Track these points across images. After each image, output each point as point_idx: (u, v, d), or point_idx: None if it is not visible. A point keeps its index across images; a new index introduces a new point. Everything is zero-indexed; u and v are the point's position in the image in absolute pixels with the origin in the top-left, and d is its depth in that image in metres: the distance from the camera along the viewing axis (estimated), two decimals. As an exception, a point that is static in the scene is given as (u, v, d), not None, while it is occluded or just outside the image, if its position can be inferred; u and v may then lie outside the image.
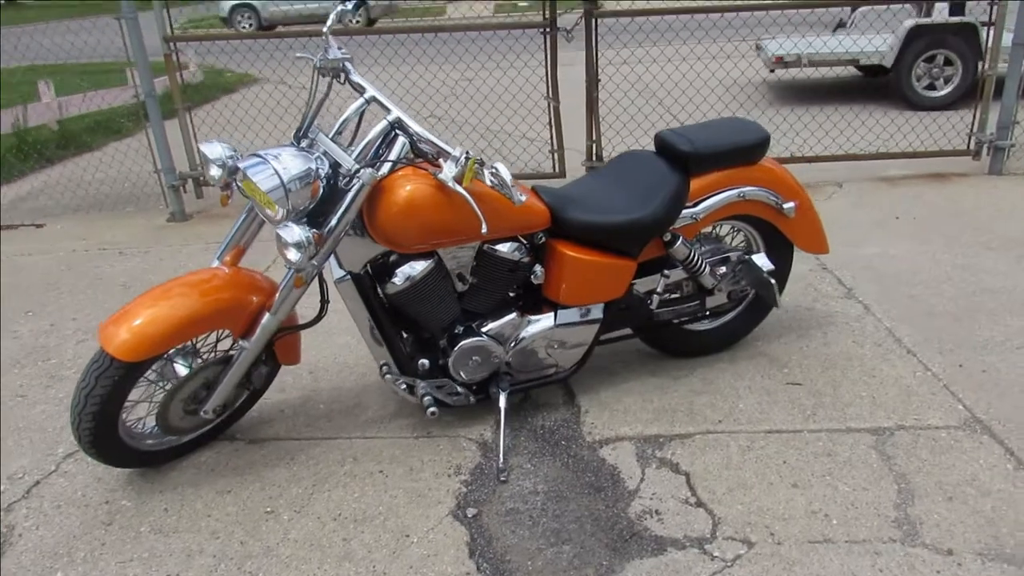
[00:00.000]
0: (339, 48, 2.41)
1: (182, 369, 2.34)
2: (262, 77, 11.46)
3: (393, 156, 2.28)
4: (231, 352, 2.38)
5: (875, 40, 7.14)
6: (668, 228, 2.62)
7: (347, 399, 2.87)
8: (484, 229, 2.20)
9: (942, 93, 6.99)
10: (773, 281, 2.79)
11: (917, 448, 2.46)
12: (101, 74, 10.86)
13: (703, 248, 2.87)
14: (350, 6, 2.46)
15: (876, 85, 7.84)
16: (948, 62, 6.96)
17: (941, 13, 7.03)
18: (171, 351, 2.31)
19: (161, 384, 2.36)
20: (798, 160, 5.16)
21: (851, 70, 8.27)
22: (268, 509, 2.32)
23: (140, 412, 2.49)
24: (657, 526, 2.20)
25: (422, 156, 2.29)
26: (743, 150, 2.70)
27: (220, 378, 2.37)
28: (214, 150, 2.23)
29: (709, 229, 2.95)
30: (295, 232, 2.09)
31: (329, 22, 2.42)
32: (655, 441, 2.57)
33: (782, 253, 2.96)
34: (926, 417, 2.61)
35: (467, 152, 2.15)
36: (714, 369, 2.96)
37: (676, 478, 2.39)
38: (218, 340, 2.47)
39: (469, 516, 2.27)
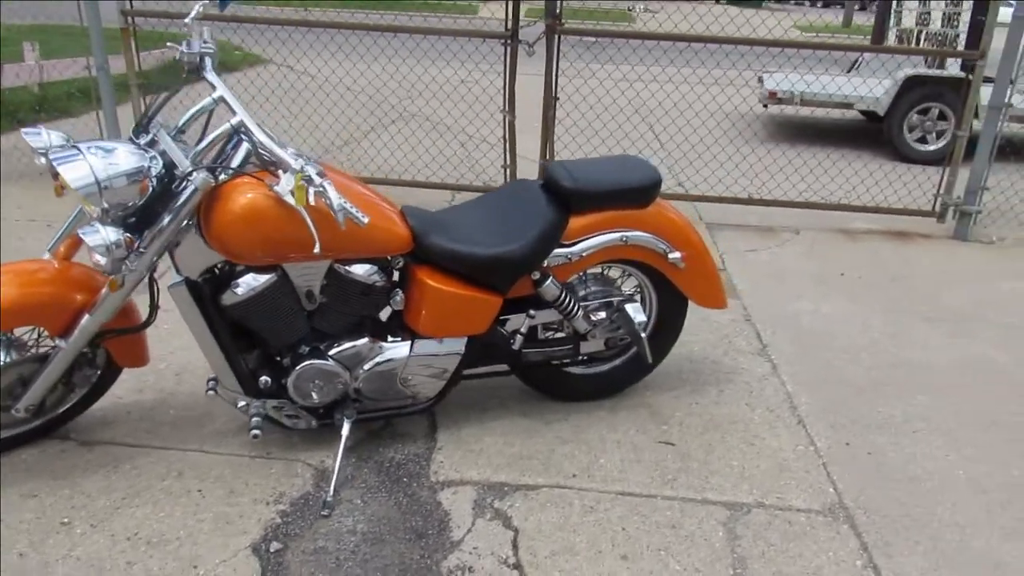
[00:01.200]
0: (204, 41, 2.29)
1: (-6, 361, 2.22)
2: (267, 58, 11.44)
3: (234, 163, 2.15)
4: (49, 351, 2.26)
5: (876, 86, 6.93)
6: (537, 266, 2.48)
7: (200, 407, 2.74)
8: (316, 248, 2.07)
9: (932, 148, 6.78)
10: (643, 334, 2.63)
11: (769, 531, 2.29)
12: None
13: (589, 289, 2.72)
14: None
15: (875, 131, 7.63)
16: (942, 116, 6.75)
17: (952, 67, 6.81)
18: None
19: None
20: (754, 202, 4.99)
21: (855, 113, 8.06)
22: (65, 520, 2.19)
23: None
24: (464, 585, 2.06)
25: (264, 165, 2.16)
26: (631, 191, 2.55)
27: (35, 376, 2.25)
28: (39, 139, 2.11)
29: (599, 270, 2.80)
30: (99, 235, 1.97)
31: (193, 13, 2.30)
32: (499, 489, 2.43)
33: (674, 304, 2.80)
34: (790, 497, 2.44)
35: (303, 166, 2.02)
36: (591, 417, 2.81)
37: (504, 533, 2.24)
38: (40, 336, 2.35)
39: (271, 551, 2.14)
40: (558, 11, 4.55)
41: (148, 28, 5.62)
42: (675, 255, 2.61)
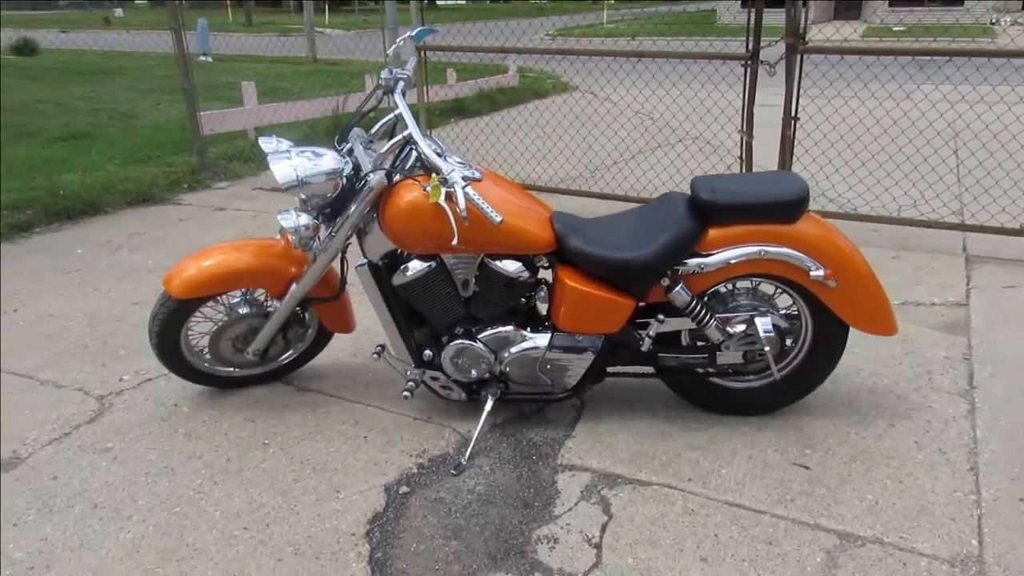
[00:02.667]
0: (403, 69, 2.79)
1: (236, 312, 2.91)
2: (574, 86, 12.28)
3: (403, 167, 2.61)
4: (271, 310, 2.91)
5: None
6: (665, 273, 2.59)
7: (390, 373, 3.24)
8: (455, 241, 2.43)
9: None
10: (767, 348, 2.59)
11: (875, 567, 2.17)
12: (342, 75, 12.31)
13: (733, 303, 2.75)
14: (414, 33, 2.81)
15: None
16: None
17: None
18: (230, 297, 2.90)
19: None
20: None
21: None
22: (266, 441, 2.81)
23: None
24: (543, 551, 2.27)
25: (427, 170, 2.58)
26: (772, 206, 2.54)
27: (259, 327, 2.91)
28: (269, 144, 2.73)
29: (749, 284, 2.80)
30: (291, 218, 2.54)
31: (393, 47, 2.80)
32: (612, 480, 2.58)
33: (830, 326, 2.71)
34: (918, 540, 2.27)
35: (450, 172, 2.39)
36: (732, 431, 2.82)
37: (600, 517, 2.40)
38: (267, 299, 2.99)
39: (399, 492, 2.54)
40: (801, 29, 4.45)
41: (434, 60, 6.48)
42: (817, 272, 2.54)
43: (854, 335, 2.74)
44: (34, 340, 3.61)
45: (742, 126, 4.81)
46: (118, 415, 2.98)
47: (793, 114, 4.61)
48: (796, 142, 4.72)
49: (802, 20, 4.45)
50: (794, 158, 4.77)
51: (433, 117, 9.61)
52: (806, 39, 4.49)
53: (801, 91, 4.58)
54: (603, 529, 2.35)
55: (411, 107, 6.14)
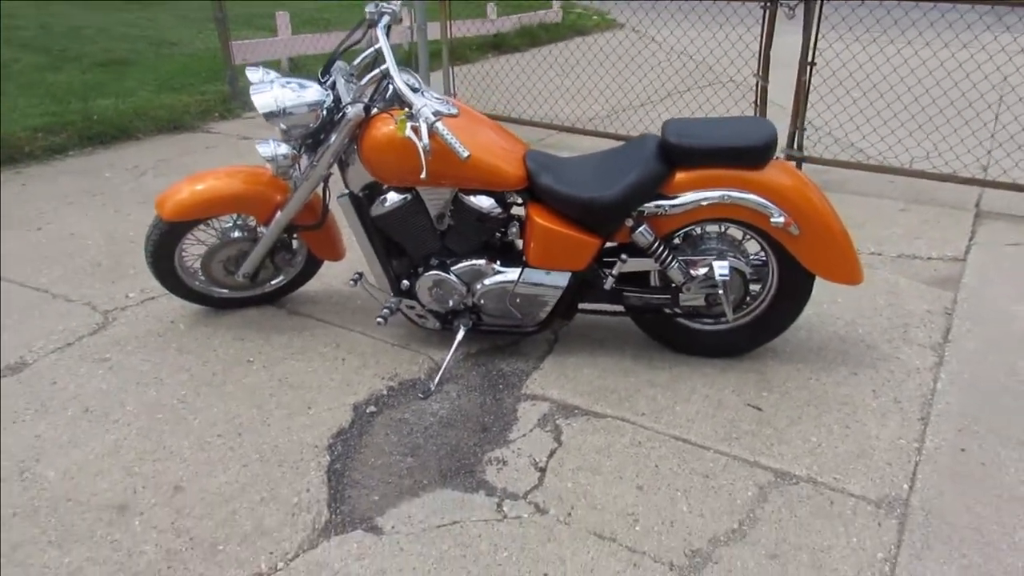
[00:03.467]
0: (389, 3, 2.84)
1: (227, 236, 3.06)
2: (619, 23, 12.05)
3: (379, 101, 2.69)
4: (259, 235, 3.05)
5: None
6: (628, 213, 2.64)
7: (378, 303, 3.38)
8: (423, 175, 2.51)
9: None
10: (721, 291, 2.65)
11: (803, 503, 2.26)
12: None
13: (701, 246, 2.80)
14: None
15: None
16: None
17: None
18: (222, 221, 3.05)
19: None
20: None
21: None
22: (250, 359, 2.98)
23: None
24: (491, 472, 2.41)
25: (402, 104, 2.66)
26: (739, 151, 2.56)
27: (249, 251, 3.06)
28: (256, 74, 2.82)
29: (718, 229, 2.84)
30: (269, 147, 2.66)
31: (383, -17, 2.85)
32: (569, 411, 2.70)
33: (794, 274, 2.75)
34: (850, 481, 2.34)
35: (421, 107, 2.46)
36: (695, 371, 2.90)
37: (550, 444, 2.53)
38: (257, 225, 3.13)
39: (367, 411, 2.69)
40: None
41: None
42: (779, 219, 2.57)
43: (838, 288, 2.77)
44: (53, 257, 3.84)
45: (757, 70, 4.74)
46: (119, 329, 3.18)
47: (810, 59, 4.52)
48: (812, 88, 4.64)
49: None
50: (809, 104, 4.70)
51: (469, 52, 9.60)
52: (826, -19, 4.38)
53: (834, 31, 4.48)
54: (551, 455, 2.48)
55: (433, 42, 6.14)
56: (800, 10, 4.45)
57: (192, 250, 3.12)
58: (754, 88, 4.84)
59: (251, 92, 2.67)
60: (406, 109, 2.51)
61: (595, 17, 12.75)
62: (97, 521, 2.19)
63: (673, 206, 2.63)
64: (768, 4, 4.54)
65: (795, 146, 4.74)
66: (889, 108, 5.31)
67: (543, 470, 2.41)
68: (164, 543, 2.11)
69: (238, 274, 3.11)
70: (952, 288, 3.53)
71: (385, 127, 2.64)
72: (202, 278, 3.16)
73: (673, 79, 6.42)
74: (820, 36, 4.49)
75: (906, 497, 2.28)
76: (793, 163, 4.74)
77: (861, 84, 5.40)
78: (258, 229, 3.10)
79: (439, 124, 2.42)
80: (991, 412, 2.65)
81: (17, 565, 2.04)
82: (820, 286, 3.26)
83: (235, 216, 3.07)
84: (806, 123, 4.76)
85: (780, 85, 4.99)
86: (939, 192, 4.69)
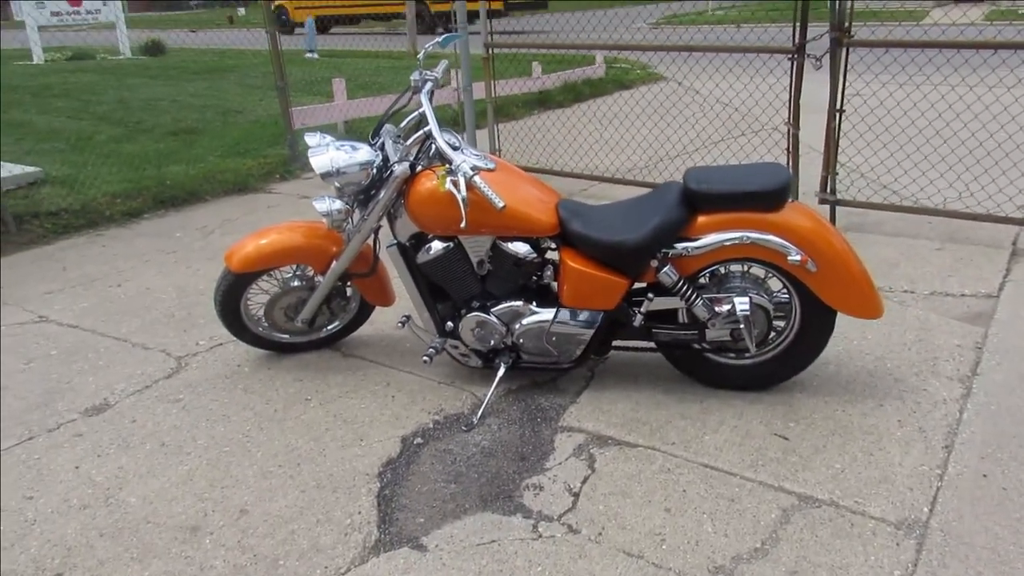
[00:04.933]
0: (432, 71, 3.14)
1: (287, 284, 3.35)
2: (668, 77, 12.35)
3: (423, 159, 2.97)
4: (316, 284, 3.33)
5: None
6: (654, 255, 2.84)
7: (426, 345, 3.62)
8: (463, 224, 2.76)
9: None
10: (743, 326, 2.80)
11: (824, 525, 2.38)
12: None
13: (725, 284, 2.97)
14: (440, 39, 3.16)
15: None
16: None
17: None
18: (283, 271, 3.34)
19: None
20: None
21: None
22: (308, 397, 3.24)
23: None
24: (528, 496, 2.59)
25: (443, 161, 2.93)
26: (755, 195, 2.75)
27: (307, 299, 3.34)
28: (313, 138, 3.13)
29: (741, 268, 3.01)
30: (325, 203, 2.95)
31: (421, 53, 3.15)
32: (603, 441, 2.86)
33: (816, 310, 2.89)
34: (871, 504, 2.45)
35: (460, 163, 2.72)
36: (724, 404, 3.04)
37: (583, 471, 2.70)
38: (313, 275, 3.40)
39: (414, 443, 2.90)
40: (846, 23, 4.53)
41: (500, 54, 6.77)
42: (795, 257, 2.73)
43: (869, 323, 2.87)
44: (132, 310, 4.19)
45: (789, 118, 4.93)
46: (191, 373, 3.48)
47: (838, 106, 4.69)
48: (843, 133, 4.80)
49: (846, 13, 4.53)
50: (840, 148, 4.85)
51: (515, 108, 9.99)
52: (851, 32, 4.57)
53: (867, 74, 4.65)
54: (584, 481, 2.65)
55: (479, 101, 6.47)
56: (827, 60, 4.64)
57: (256, 299, 3.42)
58: (785, 135, 5.01)
59: (309, 155, 2.97)
60: (447, 165, 2.77)
61: (637, 72, 13.10)
62: (173, 540, 2.43)
63: (695, 247, 2.82)
64: (796, 55, 4.73)
65: (828, 190, 4.89)
66: (919, 151, 5.41)
67: (576, 495, 2.58)
68: (231, 559, 2.34)
69: (297, 320, 3.38)
70: (983, 324, 3.60)
71: (429, 182, 2.90)
72: (265, 324, 3.45)
73: (708, 129, 6.63)
74: (848, 83, 4.66)
75: (925, 519, 2.38)
76: (827, 206, 4.88)
77: (890, 128, 5.52)
78: (315, 278, 3.38)
79: (476, 178, 2.67)
80: (1016, 441, 2.72)
81: (103, 578, 2.29)
82: (851, 323, 3.41)
83: (295, 267, 3.36)
84: (839, 167, 4.91)
85: (814, 130, 5.15)
86: (976, 232, 4.76)
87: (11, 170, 6.26)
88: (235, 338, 3.51)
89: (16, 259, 5.08)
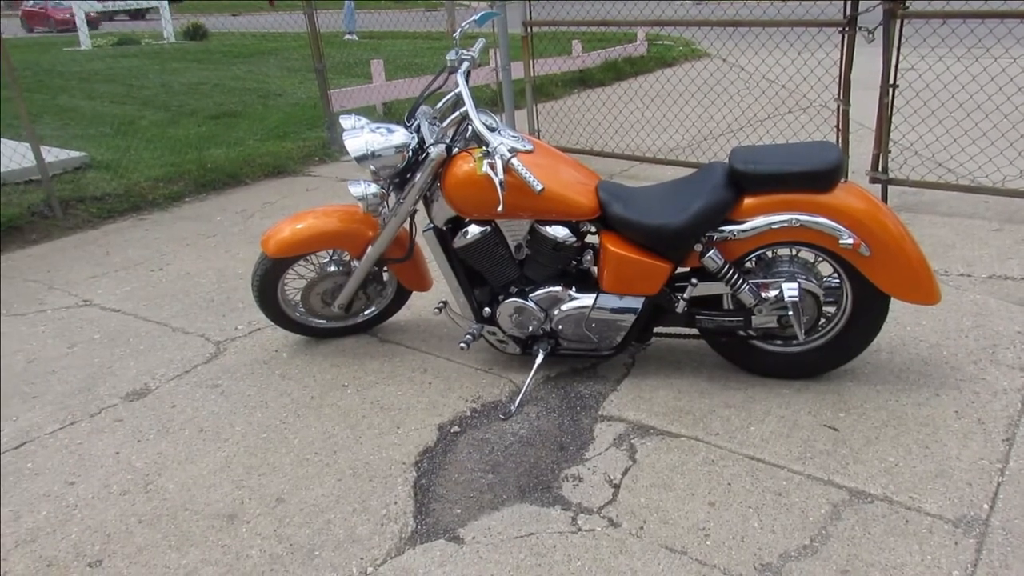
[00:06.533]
0: (468, 51, 3.06)
1: (324, 269, 3.32)
2: (712, 53, 12.07)
3: (460, 141, 2.89)
4: (352, 268, 3.30)
5: None
6: (698, 238, 2.74)
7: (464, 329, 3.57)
8: (500, 207, 2.69)
9: None
10: (792, 313, 2.68)
11: (877, 522, 2.28)
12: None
13: (773, 269, 2.86)
14: (477, 17, 3.07)
15: None
16: None
17: None
18: (319, 256, 3.31)
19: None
20: None
21: None
22: (345, 384, 3.21)
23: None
24: (567, 488, 2.53)
25: (480, 143, 2.85)
26: (805, 175, 2.63)
27: (343, 284, 3.31)
28: (348, 121, 3.07)
29: (790, 252, 2.89)
30: (360, 187, 2.89)
31: (458, 31, 3.08)
32: (645, 431, 2.79)
33: (868, 295, 2.77)
34: (927, 500, 2.34)
35: (497, 145, 2.65)
36: (771, 392, 2.94)
37: (624, 462, 2.63)
38: (350, 259, 3.37)
39: (451, 431, 2.86)
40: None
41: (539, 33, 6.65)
42: (847, 241, 2.61)
43: (923, 308, 2.75)
44: (172, 294, 4.21)
45: (839, 93, 4.74)
46: (230, 358, 3.48)
47: (892, 81, 4.50)
48: (897, 109, 4.61)
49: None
50: (894, 126, 4.66)
51: (555, 88, 9.85)
52: (906, 3, 4.36)
53: (921, 48, 4.45)
54: (625, 472, 2.57)
55: (517, 81, 6.38)
56: (879, 32, 4.44)
57: (293, 284, 3.40)
58: (835, 112, 4.83)
59: (344, 137, 2.92)
60: (484, 147, 2.70)
61: (680, 49, 12.82)
62: (210, 528, 2.42)
63: (741, 231, 2.71)
64: (847, 28, 4.55)
65: (880, 168, 4.70)
66: (977, 127, 5.18)
67: (617, 486, 2.51)
68: (268, 548, 2.32)
69: (334, 305, 3.36)
70: (1045, 307, 3.43)
71: (465, 165, 2.83)
72: (302, 310, 3.42)
73: (754, 106, 6.44)
74: (902, 57, 4.47)
75: (986, 517, 2.26)
76: (878, 185, 4.70)
77: (947, 104, 5.29)
78: (352, 263, 3.34)
79: (514, 160, 2.59)
80: (1083, 432, 2.58)
81: (143, 566, 2.29)
82: (904, 309, 3.28)
83: (331, 252, 3.33)
84: (892, 144, 4.72)
85: (865, 107, 4.97)
86: (1037, 211, 4.54)
87: (57, 155, 6.35)
88: (272, 324, 3.49)
89: (62, 243, 5.15)
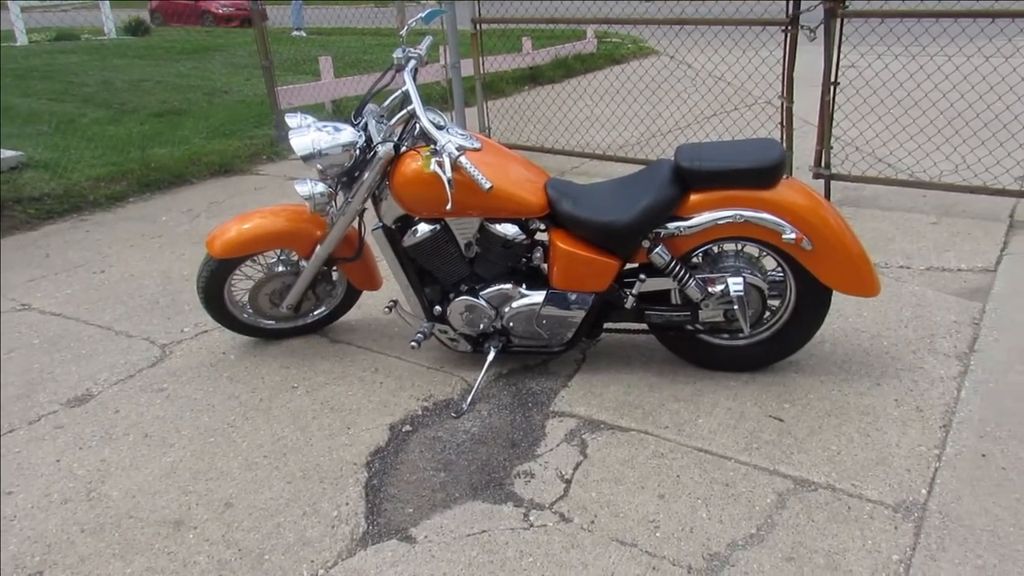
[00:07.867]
0: (416, 48, 3.04)
1: (271, 270, 3.28)
2: (660, 51, 12.19)
3: (408, 139, 2.88)
4: (300, 269, 3.26)
5: None
6: (645, 235, 2.77)
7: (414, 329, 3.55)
8: (449, 206, 2.68)
9: None
10: (737, 307, 2.74)
11: (820, 509, 2.33)
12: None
13: (718, 264, 2.90)
14: (424, 14, 3.06)
15: None
16: None
17: None
18: (267, 256, 3.26)
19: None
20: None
21: None
22: (295, 385, 3.17)
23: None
24: (519, 484, 2.54)
25: (427, 141, 2.84)
26: (748, 172, 2.68)
27: (292, 284, 3.27)
28: (294, 119, 3.03)
29: (735, 247, 2.94)
30: (307, 186, 2.86)
31: (404, 29, 3.05)
32: (595, 426, 2.81)
33: (811, 289, 2.83)
34: (868, 487, 2.41)
35: (445, 144, 2.64)
36: (719, 385, 2.99)
37: (575, 457, 2.65)
38: (297, 259, 3.33)
39: (402, 430, 2.85)
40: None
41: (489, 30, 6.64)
42: (790, 236, 2.66)
43: (864, 300, 2.82)
44: (116, 296, 4.11)
45: (782, 91, 4.84)
46: (175, 361, 3.41)
47: (833, 79, 4.60)
48: (838, 106, 4.72)
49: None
50: (835, 122, 4.77)
51: (506, 85, 9.85)
52: (845, 3, 4.47)
53: (860, 47, 4.56)
54: (576, 468, 2.59)
55: (467, 78, 6.37)
56: (821, 31, 4.54)
57: (240, 285, 3.34)
58: (779, 109, 4.92)
59: (290, 136, 2.88)
60: (432, 146, 2.69)
61: (629, 46, 12.93)
62: (156, 535, 2.37)
63: (688, 227, 2.75)
64: (790, 27, 4.64)
65: (823, 164, 4.81)
66: (915, 123, 5.33)
67: (568, 482, 2.53)
68: (216, 554, 2.29)
69: (283, 306, 3.31)
70: (981, 299, 3.55)
71: (413, 163, 2.82)
72: (250, 311, 3.37)
73: (701, 103, 6.53)
74: (843, 55, 4.57)
75: (924, 502, 2.33)
76: (822, 180, 4.80)
77: (886, 101, 5.44)
78: (300, 263, 3.30)
79: (462, 158, 2.59)
80: (1015, 419, 2.68)
81: None
82: (847, 301, 3.36)
83: (279, 252, 3.29)
84: (834, 140, 4.83)
85: (809, 104, 5.08)
86: (972, 205, 4.70)
87: (-8, 155, 6.13)
88: (220, 325, 3.43)
89: (-2, 246, 4.99)
